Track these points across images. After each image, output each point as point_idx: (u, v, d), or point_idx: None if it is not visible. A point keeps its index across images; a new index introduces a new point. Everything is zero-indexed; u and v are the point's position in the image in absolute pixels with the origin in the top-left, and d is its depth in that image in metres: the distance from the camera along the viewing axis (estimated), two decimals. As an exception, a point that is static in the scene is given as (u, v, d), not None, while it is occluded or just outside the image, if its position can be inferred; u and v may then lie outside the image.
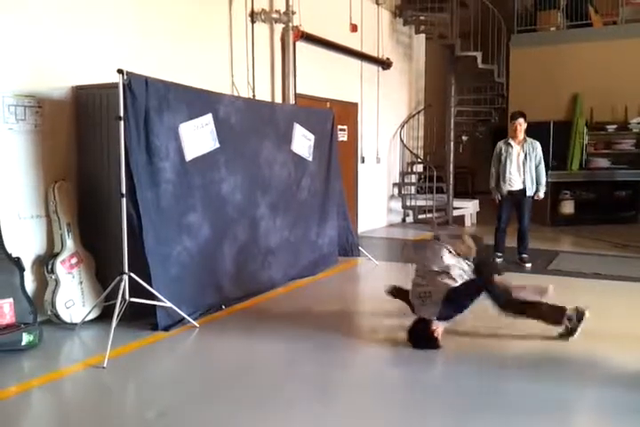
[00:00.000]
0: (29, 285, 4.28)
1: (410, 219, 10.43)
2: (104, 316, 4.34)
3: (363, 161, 9.16)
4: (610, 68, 10.49)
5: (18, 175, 4.31)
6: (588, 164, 10.72)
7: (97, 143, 4.55)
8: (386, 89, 9.66)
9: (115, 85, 4.05)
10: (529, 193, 6.61)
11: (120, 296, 4.01)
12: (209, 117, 4.84)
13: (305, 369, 3.65)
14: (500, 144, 6.77)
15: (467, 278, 3.96)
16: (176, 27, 5.65)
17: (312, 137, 6.23)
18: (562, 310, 3.92)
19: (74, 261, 4.42)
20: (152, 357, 3.85)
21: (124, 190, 4.08)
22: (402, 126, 10.26)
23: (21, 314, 4.00)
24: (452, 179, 10.02)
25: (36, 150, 4.41)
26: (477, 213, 10.50)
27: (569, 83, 10.80)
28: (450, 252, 4.05)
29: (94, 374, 3.51)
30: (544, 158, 6.70)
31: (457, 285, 3.87)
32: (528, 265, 6.59)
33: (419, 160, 10.58)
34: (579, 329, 3.94)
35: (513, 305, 3.88)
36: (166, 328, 4.25)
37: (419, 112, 10.59)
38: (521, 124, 6.61)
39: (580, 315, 3.93)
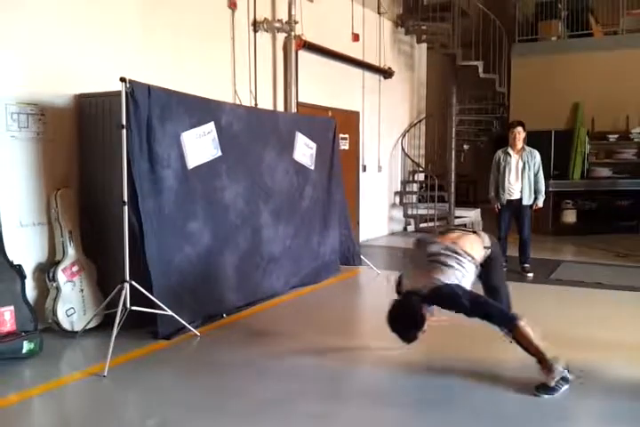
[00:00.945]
0: (30, 292, 4.27)
1: (411, 228, 10.42)
2: (105, 324, 4.32)
3: (364, 170, 9.17)
4: (611, 78, 10.52)
5: (20, 182, 4.31)
6: (590, 173, 10.72)
7: (99, 151, 4.55)
8: (387, 98, 9.68)
9: (117, 93, 4.06)
10: (526, 202, 6.61)
11: (121, 304, 4.00)
12: (211, 126, 4.84)
13: (308, 379, 3.62)
14: (499, 153, 6.76)
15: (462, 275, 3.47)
16: (178, 35, 5.67)
17: (314, 145, 6.24)
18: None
19: (75, 268, 4.41)
20: (153, 365, 3.83)
21: (125, 198, 4.07)
22: (403, 135, 10.27)
23: (22, 322, 3.98)
24: (453, 188, 10.03)
25: (39, 158, 4.41)
26: (479, 221, 10.49)
27: (570, 92, 10.82)
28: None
29: (95, 382, 3.49)
30: (545, 168, 6.69)
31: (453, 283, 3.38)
32: (530, 275, 6.57)
33: (420, 169, 10.58)
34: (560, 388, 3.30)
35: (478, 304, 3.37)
36: (167, 337, 4.23)
37: (420, 121, 10.61)
38: (520, 133, 6.60)
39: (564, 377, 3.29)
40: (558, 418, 3.02)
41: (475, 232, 3.87)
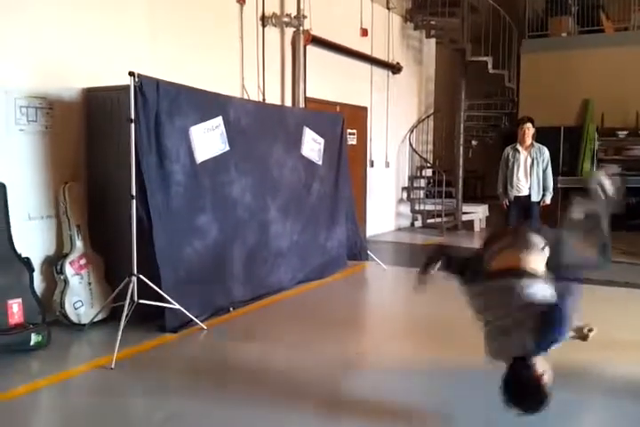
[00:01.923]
0: (38, 285, 4.29)
1: (418, 223, 10.42)
2: (112, 317, 4.34)
3: (372, 165, 9.15)
4: (621, 74, 10.44)
5: (28, 176, 4.33)
6: (599, 169, 10.65)
7: (107, 145, 4.56)
8: (395, 93, 9.66)
9: (126, 88, 4.07)
10: (535, 199, 6.59)
11: (129, 298, 4.02)
12: (219, 120, 4.85)
13: (314, 373, 3.63)
14: (508, 149, 6.74)
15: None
16: (187, 30, 5.67)
17: (322, 141, 6.24)
18: None
19: (83, 262, 4.43)
20: (160, 358, 3.85)
21: (134, 192, 4.09)
22: (411, 130, 10.25)
23: (30, 314, 4.01)
24: (461, 183, 10.00)
25: (47, 151, 4.43)
26: (487, 217, 10.46)
27: (580, 88, 10.75)
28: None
29: (102, 375, 3.51)
30: (554, 164, 6.66)
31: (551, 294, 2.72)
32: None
33: (428, 164, 10.56)
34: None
35: None
36: (174, 330, 4.25)
37: (428, 116, 10.58)
38: (529, 129, 6.58)
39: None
40: (558, 418, 3.01)
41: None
